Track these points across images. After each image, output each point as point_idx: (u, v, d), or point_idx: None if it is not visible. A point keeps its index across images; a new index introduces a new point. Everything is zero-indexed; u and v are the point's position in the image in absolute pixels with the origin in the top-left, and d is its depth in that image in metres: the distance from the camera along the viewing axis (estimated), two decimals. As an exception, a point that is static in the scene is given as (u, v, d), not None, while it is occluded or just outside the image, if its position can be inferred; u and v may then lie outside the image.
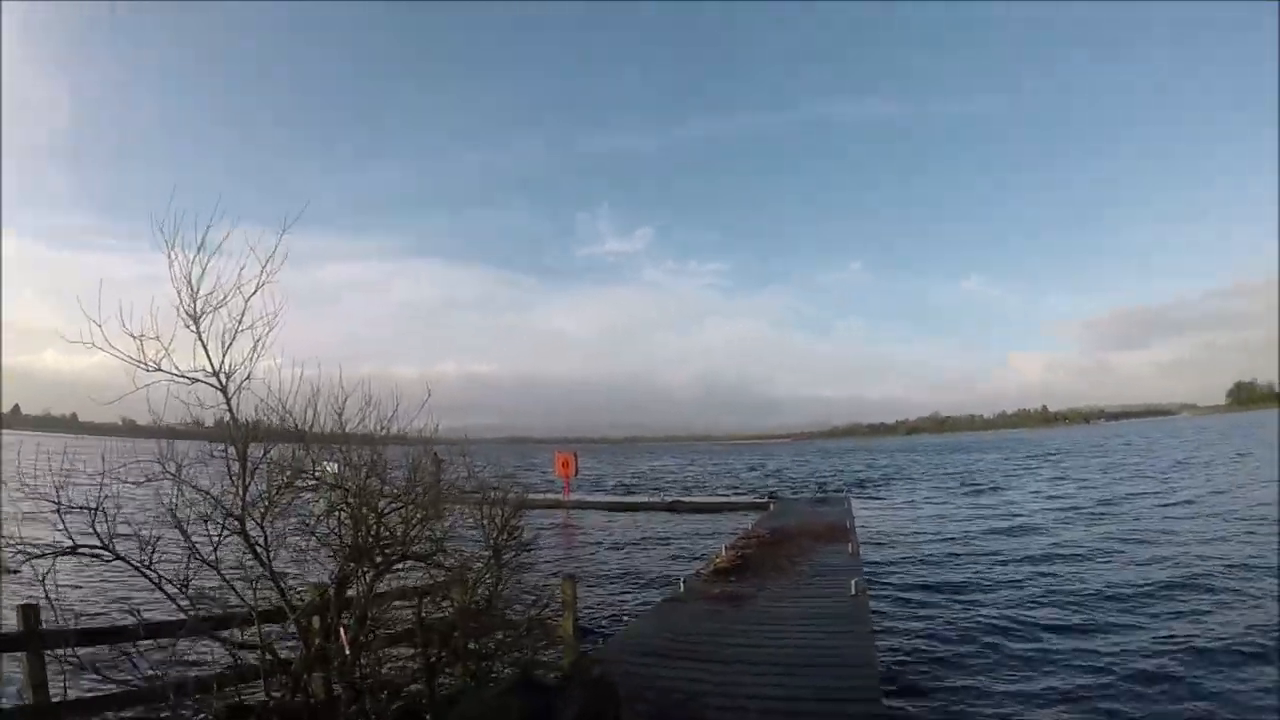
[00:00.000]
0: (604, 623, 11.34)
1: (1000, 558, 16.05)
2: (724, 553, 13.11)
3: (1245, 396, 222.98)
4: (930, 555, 16.65)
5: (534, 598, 7.20)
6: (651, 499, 28.31)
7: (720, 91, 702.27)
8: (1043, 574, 13.91)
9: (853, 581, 10.04)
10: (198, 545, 4.90)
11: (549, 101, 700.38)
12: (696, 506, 26.76)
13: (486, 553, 6.79)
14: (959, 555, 16.69)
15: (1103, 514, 22.25)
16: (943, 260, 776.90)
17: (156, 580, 4.75)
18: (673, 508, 26.78)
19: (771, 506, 23.32)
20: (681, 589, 10.58)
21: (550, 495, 30.21)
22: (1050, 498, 27.74)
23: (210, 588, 5.07)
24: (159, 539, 4.80)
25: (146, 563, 4.69)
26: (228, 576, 5.06)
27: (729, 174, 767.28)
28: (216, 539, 5.00)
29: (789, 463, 67.96)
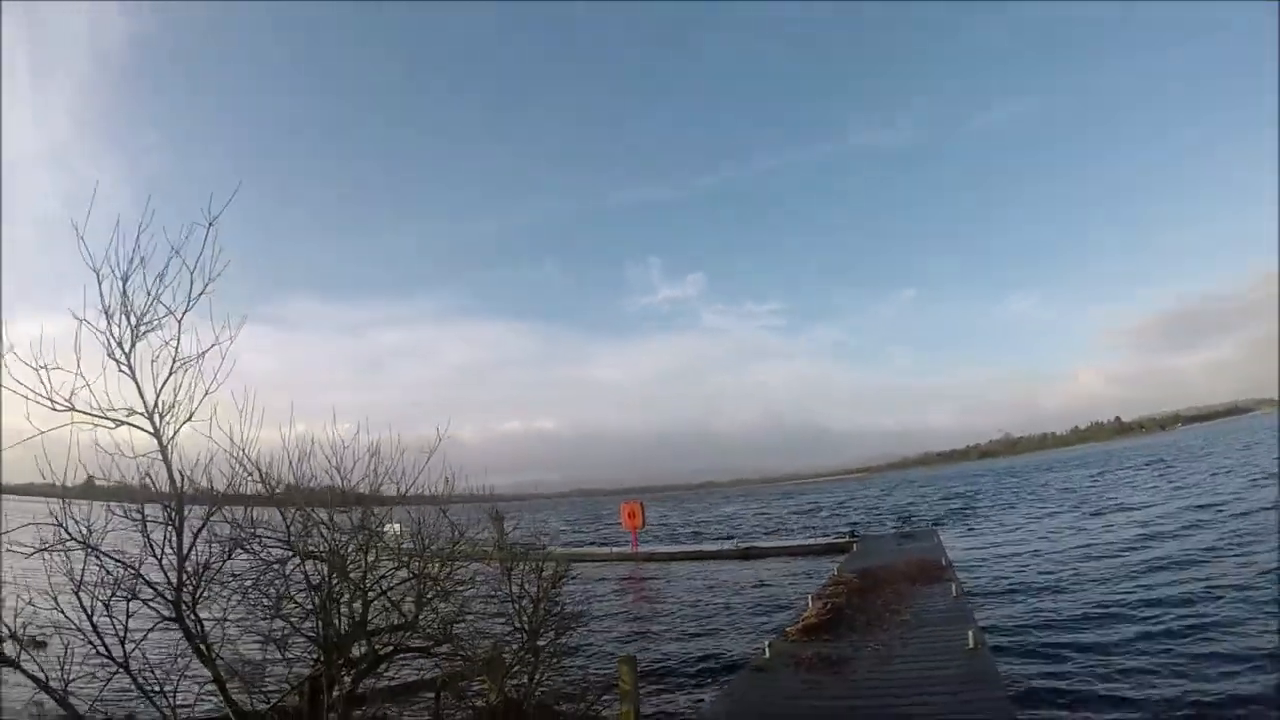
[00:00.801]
0: (675, 702, 9.80)
1: (1138, 585, 14.11)
2: (811, 604, 11.51)
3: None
4: (1050, 590, 14.71)
5: (584, 686, 5.87)
6: (723, 546, 26.61)
7: (752, 129, 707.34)
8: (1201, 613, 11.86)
9: (969, 633, 8.42)
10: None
11: (586, 152, 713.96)
12: (773, 551, 24.98)
13: (521, 632, 5.51)
14: (1083, 586, 14.78)
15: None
16: (986, 282, 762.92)
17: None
18: (746, 554, 25.05)
19: (854, 547, 21.45)
20: (767, 653, 9.05)
21: (618, 549, 28.81)
22: (1183, 512, 25.02)
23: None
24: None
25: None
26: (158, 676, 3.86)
27: (773, 213, 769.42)
28: (142, 629, 3.82)
29: (863, 498, 65.10)
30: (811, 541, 25.86)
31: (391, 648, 5.01)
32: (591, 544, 33.02)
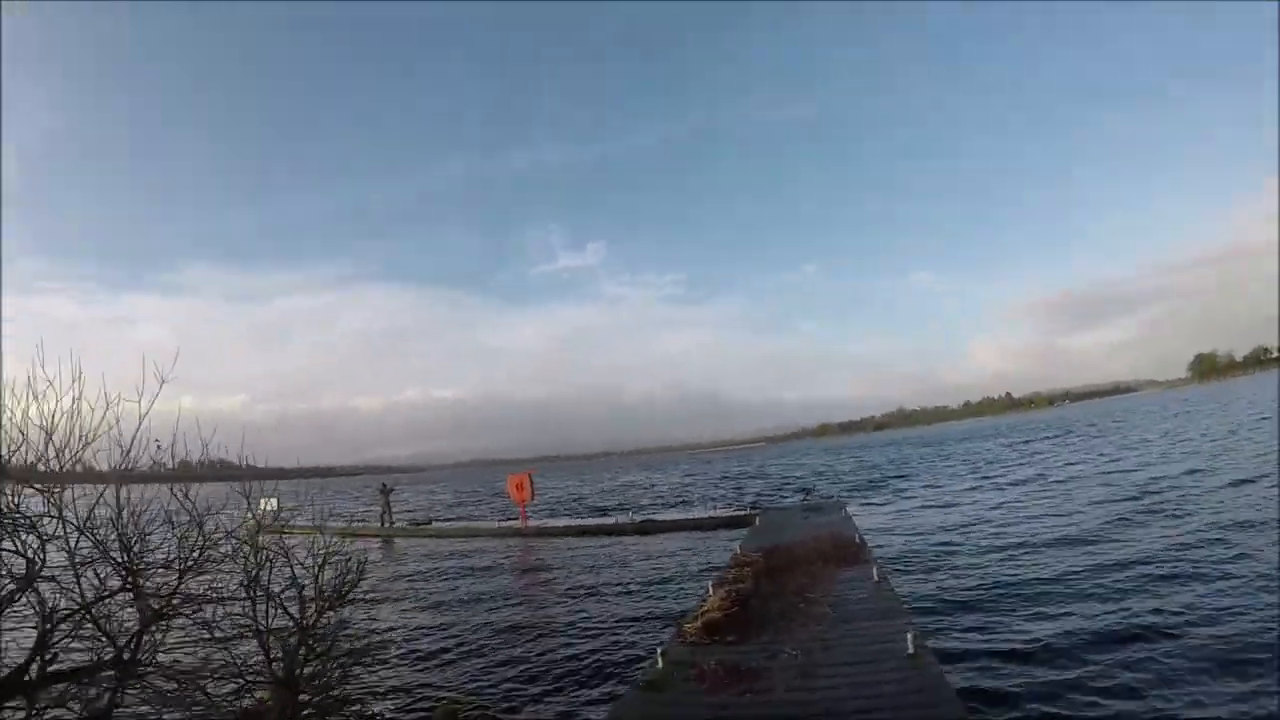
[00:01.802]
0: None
1: (1073, 565, 13.05)
2: (712, 592, 9.82)
3: (1207, 368, 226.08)
4: (982, 572, 13.37)
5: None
6: (620, 520, 24.92)
7: (660, 100, 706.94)
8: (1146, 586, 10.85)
9: (908, 635, 6.84)
10: None
11: (488, 118, 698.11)
12: (671, 525, 23.45)
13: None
14: (1021, 564, 13.67)
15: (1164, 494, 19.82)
16: (892, 257, 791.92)
17: None
18: (644, 529, 23.44)
19: (757, 520, 19.95)
20: (660, 663, 7.22)
21: (506, 523, 26.79)
22: (1099, 481, 24.76)
23: None
24: None
25: None
26: None
27: (676, 183, 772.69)
28: None
29: (763, 468, 64.82)
30: (712, 514, 24.45)
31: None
32: (479, 519, 30.82)
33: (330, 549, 5.15)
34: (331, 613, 4.70)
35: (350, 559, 5.29)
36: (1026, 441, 56.50)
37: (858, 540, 13.65)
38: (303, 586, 4.72)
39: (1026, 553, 14.56)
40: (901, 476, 38.45)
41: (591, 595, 14.48)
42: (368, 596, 15.51)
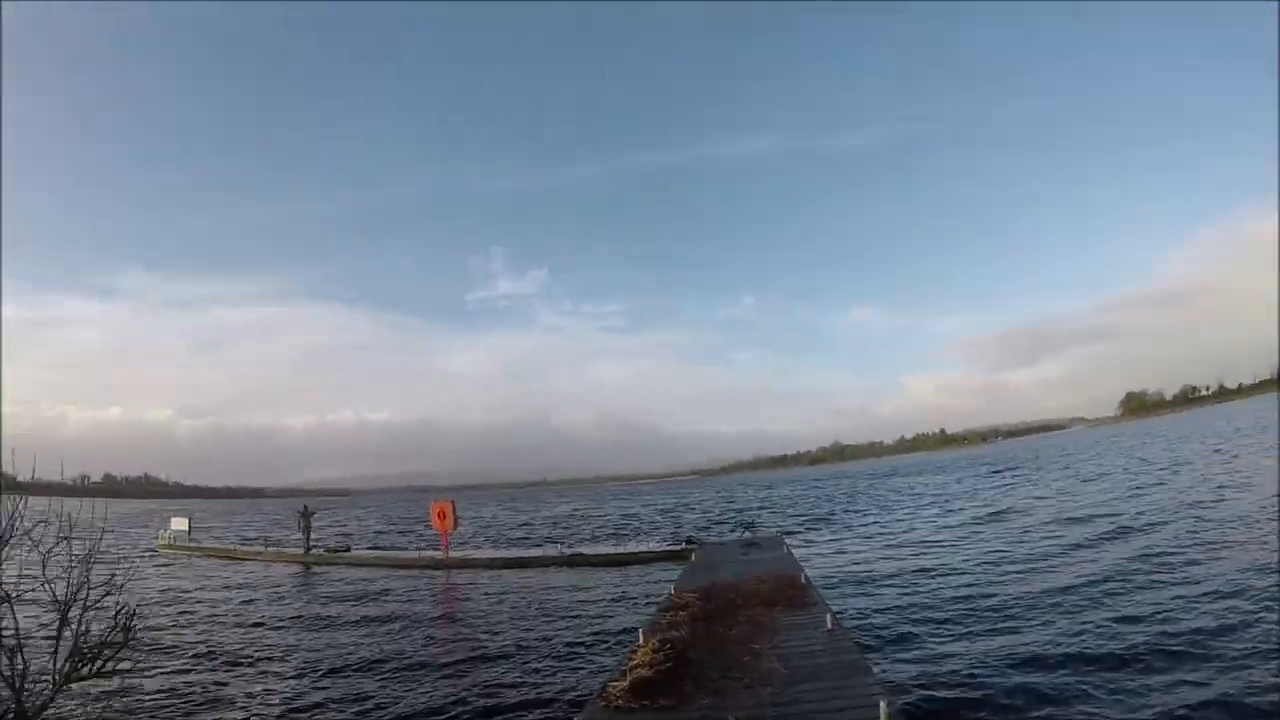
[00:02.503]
0: None
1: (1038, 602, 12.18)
2: (643, 642, 8.47)
3: (1137, 405, 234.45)
4: (948, 618, 12.30)
5: None
6: (547, 551, 23.40)
7: (607, 132, 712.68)
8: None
9: (881, 703, 5.63)
10: None
11: (434, 139, 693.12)
12: (603, 560, 22.03)
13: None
14: (989, 606, 12.71)
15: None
16: (830, 292, 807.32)
17: None
18: (573, 561, 21.98)
19: (694, 556, 18.65)
20: (576, 735, 5.87)
21: (428, 552, 24.98)
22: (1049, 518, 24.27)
23: None
24: None
25: None
26: None
27: (618, 214, 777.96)
28: None
29: (699, 501, 63.69)
30: (645, 548, 23.08)
31: None
32: (398, 549, 28.83)
33: (85, 594, 3.66)
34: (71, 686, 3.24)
35: (121, 609, 3.83)
36: (971, 475, 56.64)
37: (803, 580, 12.48)
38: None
39: (989, 591, 13.73)
40: (846, 511, 37.65)
41: (506, 638, 12.95)
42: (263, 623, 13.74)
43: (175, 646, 13.21)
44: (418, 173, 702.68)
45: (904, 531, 25.21)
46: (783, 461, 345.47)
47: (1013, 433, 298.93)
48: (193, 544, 31.07)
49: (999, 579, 15.03)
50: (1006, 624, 11.59)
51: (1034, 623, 11.36)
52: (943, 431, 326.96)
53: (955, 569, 16.79)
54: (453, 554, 24.08)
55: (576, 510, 62.02)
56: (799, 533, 27.44)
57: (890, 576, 16.81)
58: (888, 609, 13.47)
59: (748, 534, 24.33)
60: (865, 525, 29.21)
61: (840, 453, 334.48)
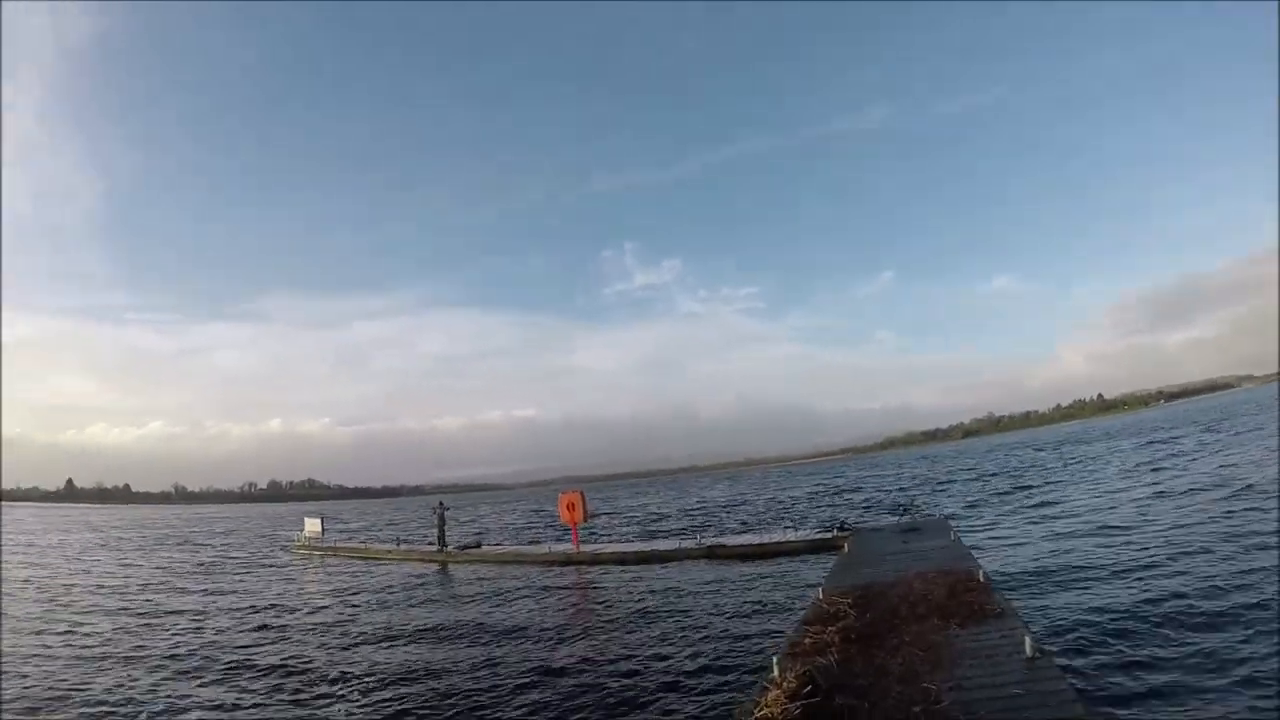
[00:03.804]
0: None
1: None
2: (776, 674, 6.48)
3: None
4: (1200, 645, 8.70)
5: None
6: (685, 544, 21.67)
7: (728, 116, 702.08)
8: None
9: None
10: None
11: (559, 141, 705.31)
12: (745, 552, 20.04)
13: None
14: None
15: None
16: (970, 263, 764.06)
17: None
18: (711, 554, 20.15)
19: (846, 546, 16.34)
20: None
21: (559, 547, 23.84)
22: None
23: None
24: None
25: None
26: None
27: (748, 197, 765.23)
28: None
29: (850, 481, 60.27)
30: (792, 538, 20.87)
31: None
32: (532, 544, 27.96)
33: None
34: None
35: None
36: (1152, 442, 50.27)
37: (981, 579, 10.04)
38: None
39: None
40: (1020, 488, 32.90)
41: (620, 651, 11.24)
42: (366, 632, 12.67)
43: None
44: (546, 176, 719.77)
45: (1103, 509, 21.57)
46: (935, 436, 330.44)
47: (1175, 395, 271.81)
48: (326, 545, 31.69)
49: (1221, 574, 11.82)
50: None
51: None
52: (1100, 397, 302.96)
53: (1192, 563, 13.15)
54: (584, 548, 22.81)
55: (724, 495, 60.21)
56: (964, 516, 24.29)
57: (1098, 569, 13.63)
58: (1109, 619, 10.28)
59: (907, 517, 21.67)
60: (1045, 503, 25.41)
61: (995, 424, 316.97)
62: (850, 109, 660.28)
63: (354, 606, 17.38)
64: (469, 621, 14.52)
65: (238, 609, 17.89)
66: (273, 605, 18.07)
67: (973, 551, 13.61)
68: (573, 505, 22.79)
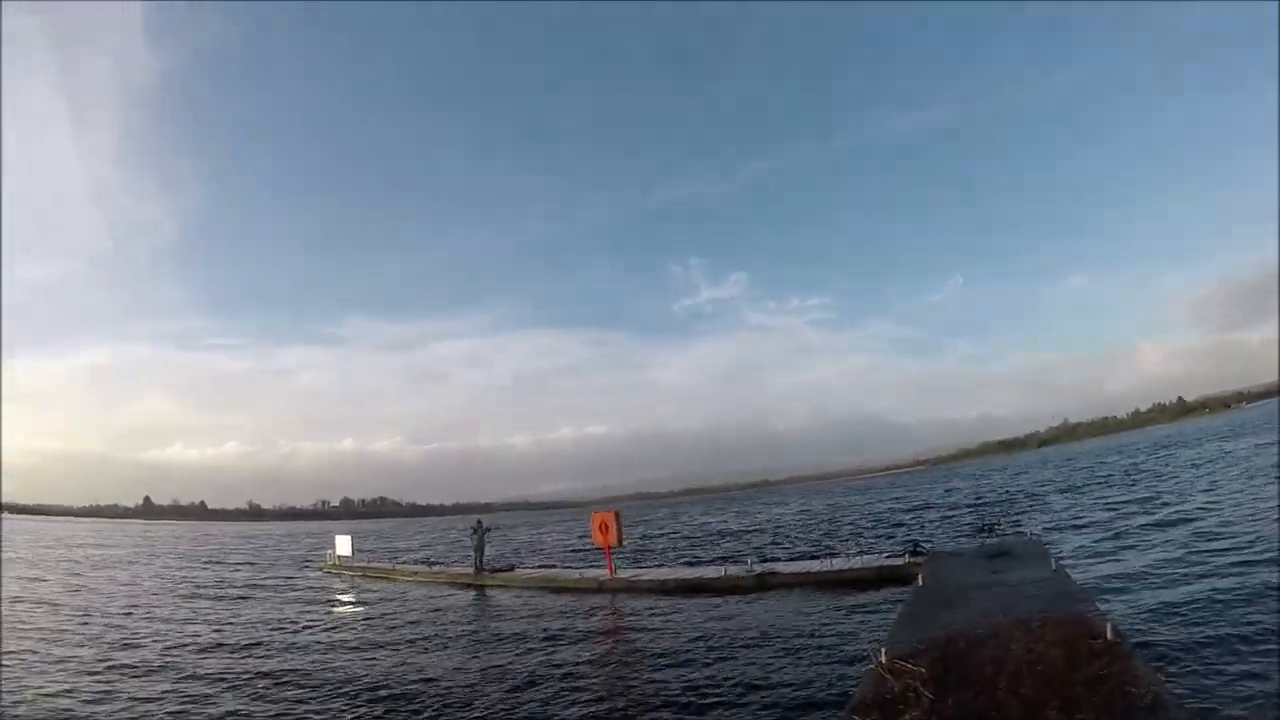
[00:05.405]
0: None
1: None
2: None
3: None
4: None
5: None
6: (733, 570, 18.94)
7: (785, 127, 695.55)
8: None
9: None
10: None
11: (623, 158, 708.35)
12: (800, 580, 17.22)
13: None
14: None
15: None
16: (1040, 263, 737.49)
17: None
18: (761, 582, 17.40)
19: (919, 575, 13.34)
20: None
21: (593, 572, 21.37)
22: None
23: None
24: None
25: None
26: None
27: (811, 207, 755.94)
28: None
29: (926, 495, 56.15)
30: (857, 565, 17.90)
31: None
32: (568, 566, 25.54)
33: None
34: None
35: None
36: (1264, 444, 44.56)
37: (1109, 635, 7.13)
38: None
39: None
40: (1120, 501, 28.00)
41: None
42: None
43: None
44: (609, 194, 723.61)
45: (1232, 527, 17.90)
46: (1010, 445, 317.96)
47: (1258, 395, 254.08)
48: (356, 565, 30.45)
49: None
50: None
51: None
52: (1180, 400, 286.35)
53: None
54: (622, 573, 20.29)
55: (792, 511, 56.87)
56: (1061, 536, 20.79)
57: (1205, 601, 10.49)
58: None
59: (994, 539, 18.51)
60: (1154, 522, 21.01)
61: (1071, 431, 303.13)
62: (909, 110, 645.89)
63: (335, 636, 15.22)
64: (452, 660, 12.15)
65: (225, 625, 16.90)
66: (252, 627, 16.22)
67: (1084, 588, 10.62)
68: (605, 526, 20.24)
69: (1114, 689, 5.73)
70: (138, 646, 14.81)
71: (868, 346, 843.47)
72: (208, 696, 10.70)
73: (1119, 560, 15.87)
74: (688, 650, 11.64)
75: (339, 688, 10.98)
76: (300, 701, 10.37)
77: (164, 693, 10.96)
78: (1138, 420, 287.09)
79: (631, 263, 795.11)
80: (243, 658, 13.53)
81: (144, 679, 11.98)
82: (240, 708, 10.08)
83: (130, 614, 19.40)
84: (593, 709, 9.08)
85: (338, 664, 12.78)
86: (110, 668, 12.80)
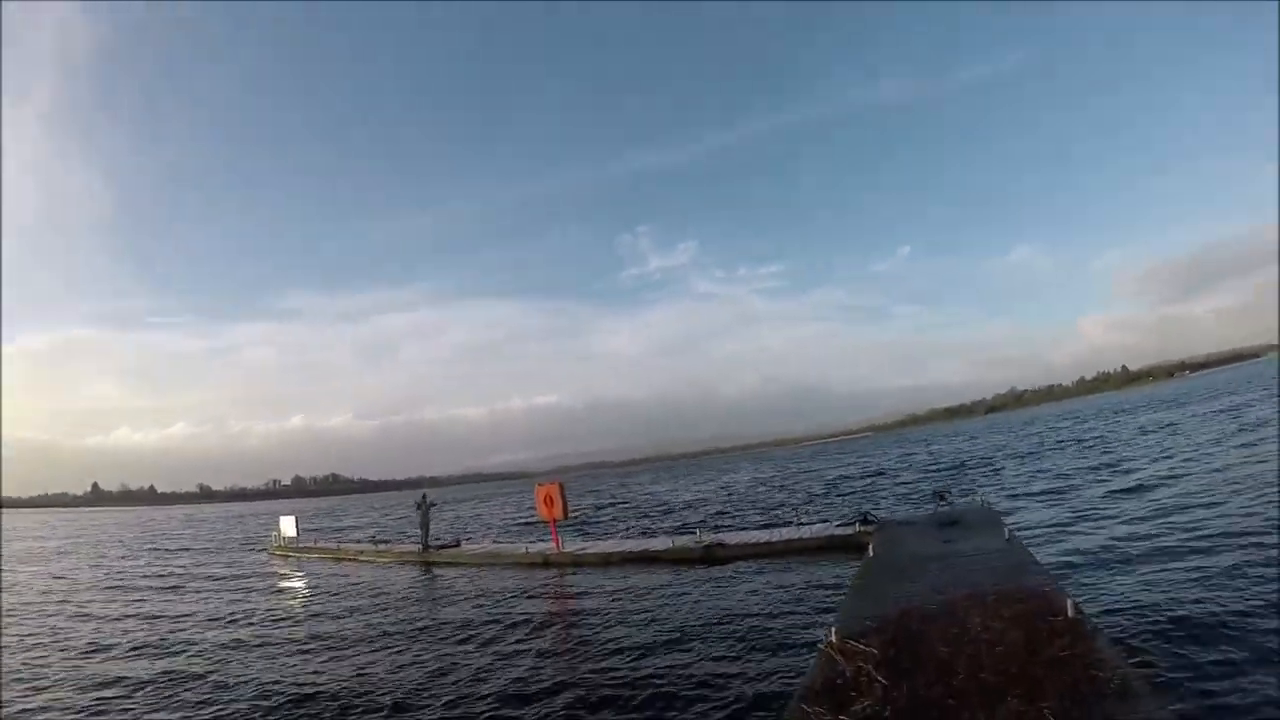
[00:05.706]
0: None
1: None
2: None
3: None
4: None
5: None
6: (680, 542, 18.51)
7: (738, 97, 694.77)
8: None
9: None
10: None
11: (572, 128, 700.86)
12: (749, 551, 16.83)
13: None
14: None
15: None
16: (988, 235, 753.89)
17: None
18: (710, 555, 16.97)
19: (870, 545, 12.99)
20: None
21: (539, 546, 20.78)
22: None
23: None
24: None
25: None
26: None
27: (762, 177, 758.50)
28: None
29: (874, 461, 56.60)
30: (806, 535, 17.57)
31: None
32: (512, 542, 24.88)
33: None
34: None
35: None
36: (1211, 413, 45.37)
37: (1070, 612, 6.70)
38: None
39: None
40: (1073, 469, 27.84)
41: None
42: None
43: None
44: (558, 164, 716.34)
45: (1194, 493, 17.83)
46: (957, 412, 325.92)
47: (1199, 365, 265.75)
48: (302, 546, 29.49)
49: None
50: None
51: None
52: (1125, 369, 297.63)
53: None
54: (568, 547, 19.73)
55: (742, 479, 56.91)
56: (1011, 504, 20.68)
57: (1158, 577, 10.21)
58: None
59: (945, 506, 18.33)
60: (1113, 489, 20.74)
61: (1018, 399, 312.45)
62: (863, 83, 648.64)
63: (271, 631, 14.41)
64: (392, 657, 11.47)
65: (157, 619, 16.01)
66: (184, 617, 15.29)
67: (1040, 561, 10.29)
68: (550, 499, 19.58)
69: (1079, 672, 5.29)
70: (64, 649, 13.73)
71: (818, 315, 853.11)
72: (126, 710, 9.74)
73: (1075, 530, 15.63)
74: (612, 640, 10.95)
75: (265, 691, 10.19)
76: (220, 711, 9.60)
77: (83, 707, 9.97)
78: (1083, 388, 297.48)
79: (581, 232, 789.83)
80: (171, 660, 12.53)
81: (53, 690, 11.04)
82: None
83: (59, 613, 18.16)
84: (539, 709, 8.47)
85: (275, 663, 11.96)
86: (16, 679, 11.60)
